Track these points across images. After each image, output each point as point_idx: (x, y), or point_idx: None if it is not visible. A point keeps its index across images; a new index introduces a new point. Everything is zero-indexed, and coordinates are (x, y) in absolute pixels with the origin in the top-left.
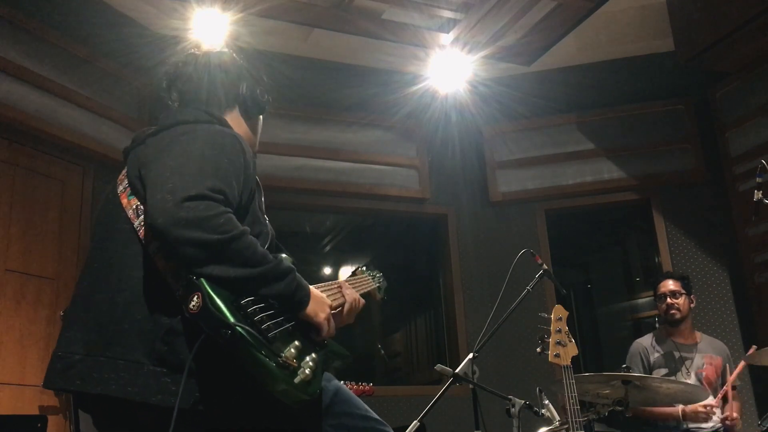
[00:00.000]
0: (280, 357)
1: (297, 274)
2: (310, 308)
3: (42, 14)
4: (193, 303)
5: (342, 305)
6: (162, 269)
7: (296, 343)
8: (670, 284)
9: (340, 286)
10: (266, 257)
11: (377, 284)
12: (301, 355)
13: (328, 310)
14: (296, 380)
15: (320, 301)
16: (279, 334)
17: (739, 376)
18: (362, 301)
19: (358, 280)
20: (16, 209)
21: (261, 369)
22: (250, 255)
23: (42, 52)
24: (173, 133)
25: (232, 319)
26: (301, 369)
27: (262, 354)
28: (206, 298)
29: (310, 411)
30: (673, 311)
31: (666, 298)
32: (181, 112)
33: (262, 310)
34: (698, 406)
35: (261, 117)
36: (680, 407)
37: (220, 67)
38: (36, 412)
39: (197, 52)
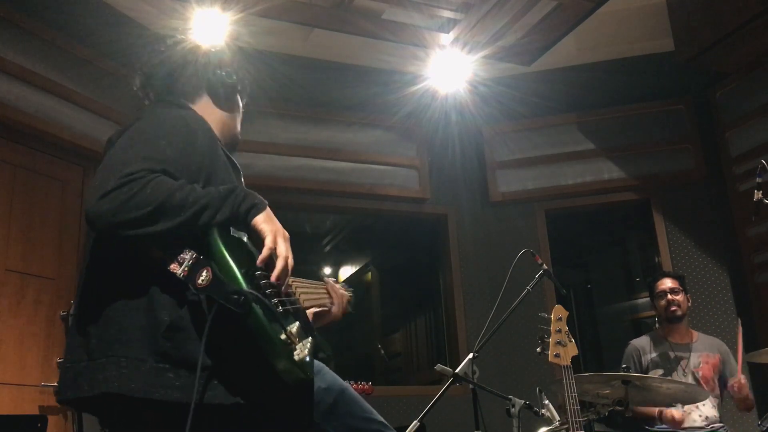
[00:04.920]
0: (285, 330)
1: (243, 188)
2: (263, 217)
3: (42, 14)
4: (202, 278)
5: (324, 306)
6: (159, 258)
7: (297, 323)
8: (669, 282)
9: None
10: (209, 192)
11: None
12: (300, 334)
13: (279, 225)
14: (296, 357)
15: (274, 219)
16: (282, 313)
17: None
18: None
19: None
20: (16, 209)
21: (267, 340)
22: (194, 199)
23: (42, 52)
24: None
25: (244, 286)
26: (299, 348)
27: (271, 324)
28: (215, 272)
29: (301, 403)
30: (674, 308)
31: (666, 295)
32: (145, 107)
33: (269, 286)
34: (674, 412)
35: (239, 102)
36: (657, 410)
37: (185, 59)
38: (36, 412)
39: (164, 46)
